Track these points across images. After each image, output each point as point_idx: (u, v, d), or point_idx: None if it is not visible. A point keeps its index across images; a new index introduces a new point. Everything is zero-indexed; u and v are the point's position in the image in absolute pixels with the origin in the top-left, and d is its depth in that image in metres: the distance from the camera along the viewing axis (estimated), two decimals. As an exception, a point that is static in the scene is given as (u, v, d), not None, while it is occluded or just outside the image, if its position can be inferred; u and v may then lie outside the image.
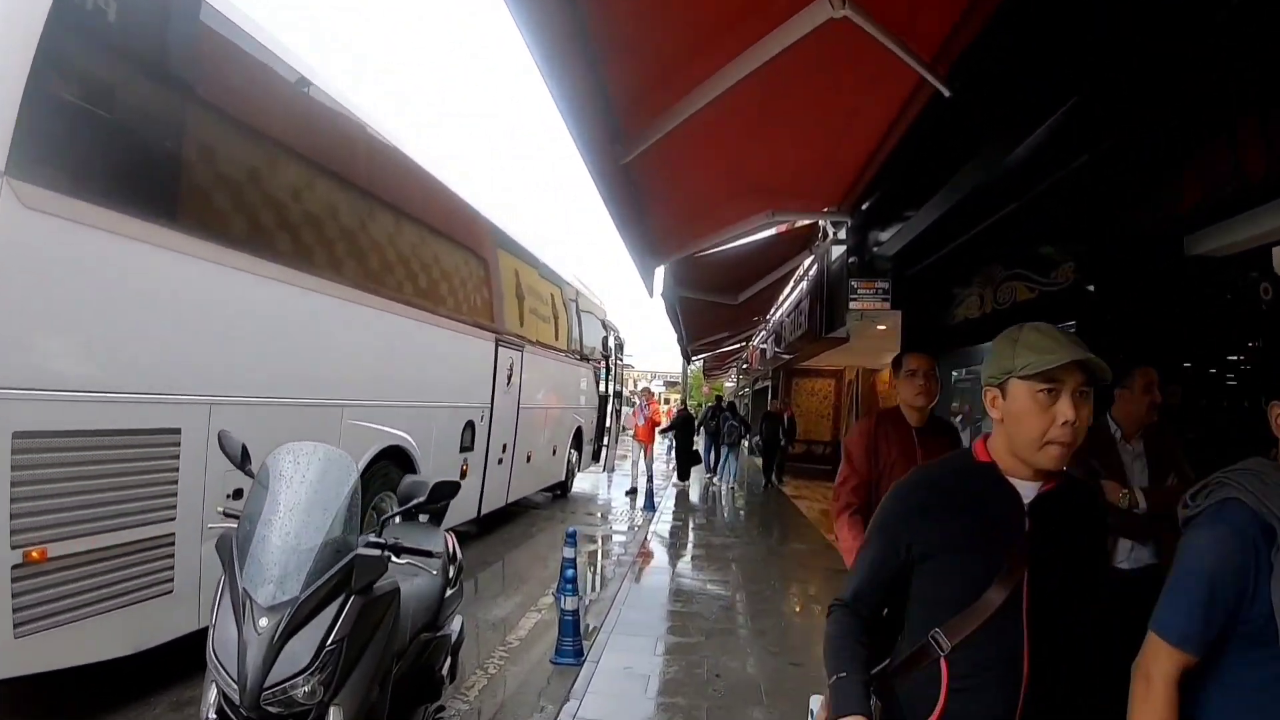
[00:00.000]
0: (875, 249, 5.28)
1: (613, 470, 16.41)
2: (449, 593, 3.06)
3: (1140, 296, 3.02)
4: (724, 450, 15.38)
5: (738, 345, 20.28)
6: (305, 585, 2.04)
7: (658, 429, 14.64)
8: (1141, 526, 2.77)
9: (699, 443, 16.59)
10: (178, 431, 3.71)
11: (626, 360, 19.43)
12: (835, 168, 4.67)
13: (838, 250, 6.86)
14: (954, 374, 5.69)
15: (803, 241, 8.06)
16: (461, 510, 7.71)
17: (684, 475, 15.39)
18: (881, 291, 5.75)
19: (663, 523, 10.37)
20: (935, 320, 5.29)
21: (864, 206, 5.49)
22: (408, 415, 6.22)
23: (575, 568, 4.65)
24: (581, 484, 14.39)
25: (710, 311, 10.70)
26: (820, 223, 7.36)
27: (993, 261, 4.26)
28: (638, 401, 15.02)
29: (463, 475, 7.48)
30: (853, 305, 5.86)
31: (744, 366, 23.66)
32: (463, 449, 7.47)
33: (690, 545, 8.91)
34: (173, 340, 3.76)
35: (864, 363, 14.71)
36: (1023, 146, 2.91)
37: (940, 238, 4.51)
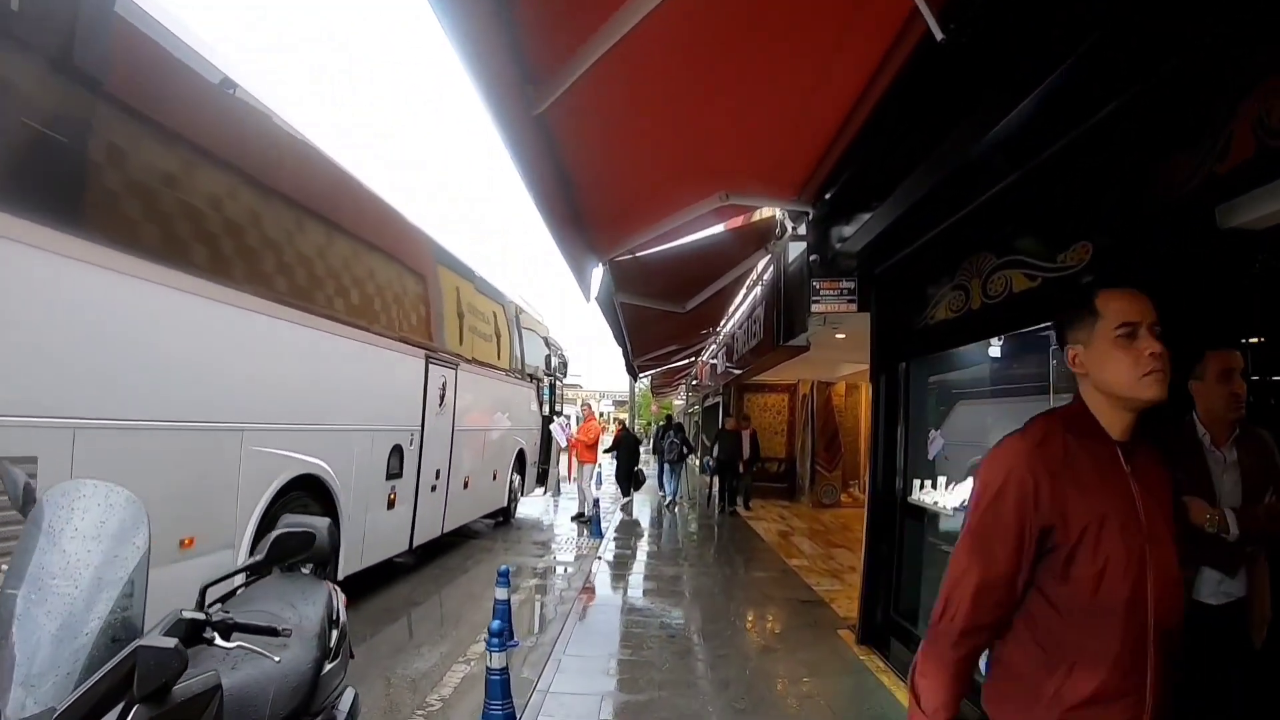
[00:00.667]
0: (839, 245, 4.81)
1: (559, 494, 15.83)
2: (328, 667, 2.36)
3: (1171, 279, 2.48)
4: (666, 468, 15.60)
5: (686, 360, 19.36)
6: (69, 689, 1.36)
7: (602, 449, 14.17)
8: (1231, 555, 2.20)
9: (650, 462, 16.13)
10: (33, 460, 3.19)
11: (574, 380, 18.92)
12: (799, 142, 4.13)
13: (797, 249, 6.30)
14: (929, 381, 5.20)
15: (758, 240, 7.42)
16: (392, 542, 7.15)
17: (626, 493, 14.59)
18: (846, 292, 5.20)
19: (610, 551, 9.66)
20: (909, 322, 4.79)
21: (828, 195, 4.98)
22: (324, 440, 5.65)
23: (508, 615, 3.98)
24: (529, 509, 13.83)
25: (656, 322, 9.89)
26: (778, 215, 6.71)
27: (980, 250, 3.75)
28: (562, 420, 14.22)
29: (390, 505, 6.92)
30: (815, 308, 5.32)
31: (693, 383, 22.34)
32: (390, 476, 6.90)
33: (640, 576, 8.22)
34: (28, 353, 3.21)
35: (819, 375, 14.21)
36: (1029, 100, 2.40)
37: (915, 228, 4.03)
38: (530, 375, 12.68)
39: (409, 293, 7.46)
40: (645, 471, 14.82)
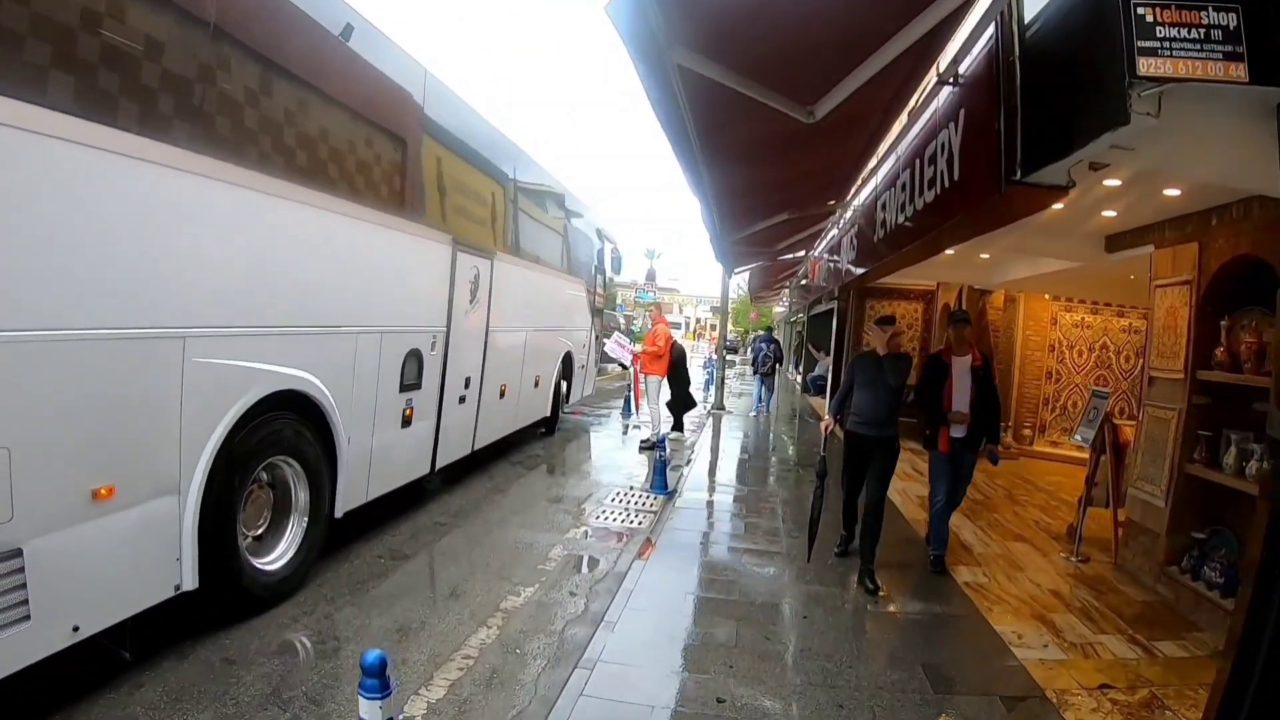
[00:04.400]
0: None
1: (630, 415, 14.56)
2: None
3: None
4: (760, 380, 16.83)
5: (795, 256, 15.81)
6: None
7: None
8: None
9: (746, 375, 16.99)
10: None
11: (670, 284, 18.23)
12: None
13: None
14: None
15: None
16: (409, 466, 6.56)
17: (678, 424, 12.62)
18: (1221, 35, 2.62)
19: (669, 528, 6.95)
20: None
21: None
22: (309, 345, 4.90)
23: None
24: (593, 431, 12.98)
25: (759, 154, 6.39)
26: None
27: None
28: (617, 336, 13.11)
29: (406, 422, 6.32)
30: (1145, 68, 2.62)
31: (802, 283, 18.27)
32: (404, 388, 6.25)
33: (708, 602, 5.21)
34: None
35: (971, 279, 11.48)
36: None
37: None
38: (579, 269, 12.36)
39: (435, 169, 6.68)
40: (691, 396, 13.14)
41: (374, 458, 5.76)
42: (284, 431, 4.66)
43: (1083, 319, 11.87)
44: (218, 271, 3.99)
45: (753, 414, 16.36)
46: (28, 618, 2.97)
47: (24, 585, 2.96)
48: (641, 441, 11.39)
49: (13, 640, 2.93)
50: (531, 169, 9.52)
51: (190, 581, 3.87)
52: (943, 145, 4.70)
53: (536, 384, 10.27)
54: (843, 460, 6.17)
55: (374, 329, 5.61)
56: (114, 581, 3.48)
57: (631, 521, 7.20)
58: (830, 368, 15.32)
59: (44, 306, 3.00)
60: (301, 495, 4.92)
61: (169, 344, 3.66)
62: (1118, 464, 6.67)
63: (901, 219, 5.91)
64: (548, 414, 11.08)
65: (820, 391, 19.29)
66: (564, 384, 11.82)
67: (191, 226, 3.78)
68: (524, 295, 9.31)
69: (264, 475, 4.65)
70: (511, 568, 5.72)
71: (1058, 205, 4.87)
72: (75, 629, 3.24)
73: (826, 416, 6.29)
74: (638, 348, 11.72)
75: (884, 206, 6.64)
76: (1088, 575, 6.18)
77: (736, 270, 18.74)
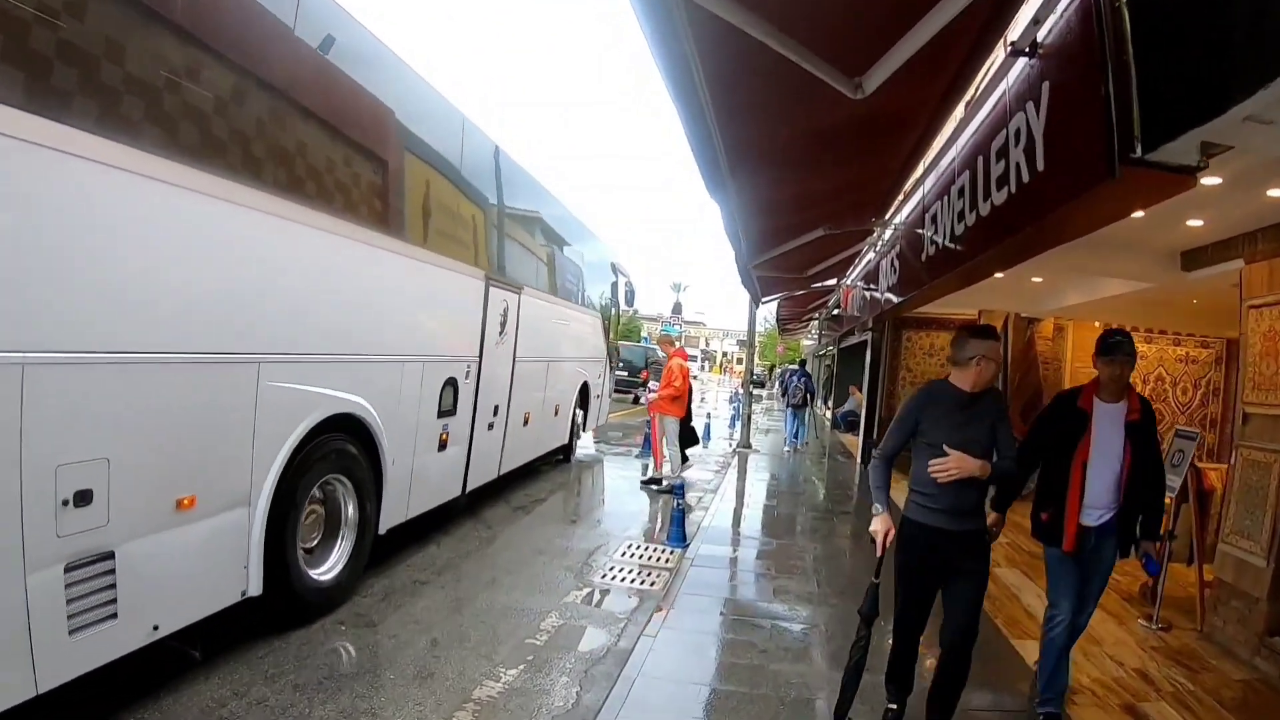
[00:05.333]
0: None
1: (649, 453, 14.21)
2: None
3: None
4: (790, 413, 17.01)
5: (825, 285, 14.85)
6: None
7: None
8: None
9: (773, 410, 16.67)
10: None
11: (696, 318, 18.14)
12: None
13: None
14: None
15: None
16: (442, 488, 6.97)
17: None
18: None
19: (695, 589, 6.11)
20: None
21: None
22: (362, 372, 5.31)
23: None
24: (610, 469, 12.78)
25: (797, 138, 5.27)
26: None
27: None
28: (647, 393, 12.09)
29: (442, 446, 6.76)
30: None
31: (834, 312, 17.46)
32: (441, 414, 6.67)
33: (744, 668, 4.61)
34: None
35: (1019, 305, 10.75)
36: None
37: None
38: (596, 303, 13.27)
39: (471, 208, 7.26)
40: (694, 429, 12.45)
41: (414, 478, 6.16)
42: (339, 452, 5.02)
43: (1136, 349, 11.09)
44: (289, 303, 4.42)
45: (786, 450, 16.23)
46: (115, 615, 3.29)
47: (114, 585, 3.27)
48: (659, 482, 10.68)
49: (101, 636, 3.23)
50: (557, 208, 10.37)
51: (255, 588, 4.23)
52: (1018, 132, 3.75)
53: (556, 412, 10.91)
54: (897, 568, 3.69)
55: (418, 358, 6.06)
56: (190, 585, 3.81)
57: (642, 582, 6.38)
58: (863, 404, 14.69)
59: (144, 333, 3.35)
60: (351, 511, 5.27)
61: (246, 368, 4.06)
62: (1201, 514, 5.81)
63: (960, 229, 4.93)
64: (565, 441, 11.75)
65: (851, 428, 18.88)
66: (580, 413, 12.52)
67: (270, 262, 4.19)
68: (547, 328, 9.95)
69: (317, 492, 5.00)
70: (494, 642, 4.88)
71: (1138, 214, 3.90)
72: (155, 628, 3.56)
73: (879, 514, 3.64)
74: (653, 396, 11.08)
75: (934, 220, 5.71)
76: (1173, 647, 5.30)
77: (764, 299, 17.78)
